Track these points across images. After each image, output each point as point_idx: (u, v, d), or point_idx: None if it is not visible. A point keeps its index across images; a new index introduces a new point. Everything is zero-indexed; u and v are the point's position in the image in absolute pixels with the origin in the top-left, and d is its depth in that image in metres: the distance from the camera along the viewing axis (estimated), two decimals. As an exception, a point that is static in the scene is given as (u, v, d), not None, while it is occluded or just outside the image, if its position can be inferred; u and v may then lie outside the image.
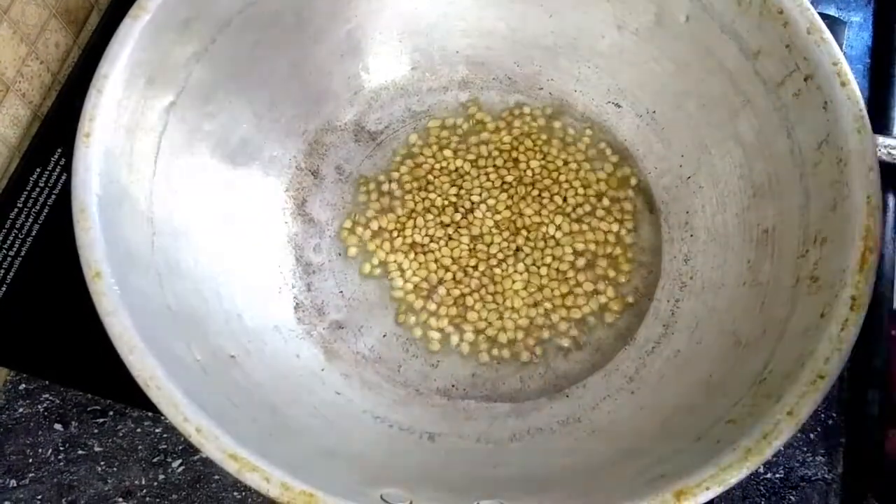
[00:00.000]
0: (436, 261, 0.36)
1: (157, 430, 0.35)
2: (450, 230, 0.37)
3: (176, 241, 0.30)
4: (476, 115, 0.40)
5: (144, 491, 0.34)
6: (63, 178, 0.38)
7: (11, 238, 0.37)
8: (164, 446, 0.35)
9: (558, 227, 0.37)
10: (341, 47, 0.38)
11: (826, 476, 0.36)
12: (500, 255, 0.37)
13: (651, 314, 0.35)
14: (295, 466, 0.23)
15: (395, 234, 0.37)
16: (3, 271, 0.36)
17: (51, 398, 0.36)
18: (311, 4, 0.36)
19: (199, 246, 0.32)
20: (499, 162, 0.39)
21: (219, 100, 0.33)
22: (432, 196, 0.38)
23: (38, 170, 0.38)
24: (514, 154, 0.39)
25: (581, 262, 0.36)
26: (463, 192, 0.38)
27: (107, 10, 0.42)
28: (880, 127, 0.42)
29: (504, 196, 0.38)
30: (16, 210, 0.38)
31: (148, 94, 0.30)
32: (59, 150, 0.39)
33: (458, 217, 0.37)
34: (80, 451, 0.35)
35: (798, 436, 0.36)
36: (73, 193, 0.27)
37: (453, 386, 0.34)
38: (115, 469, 0.35)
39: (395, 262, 0.36)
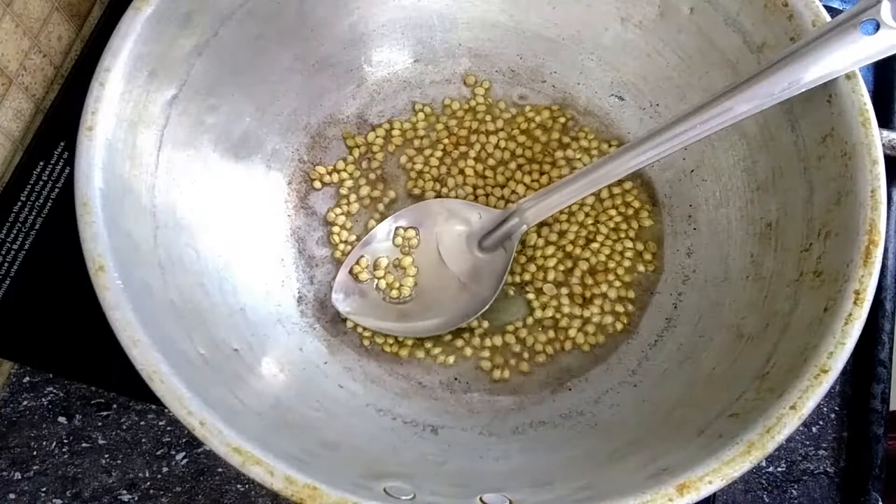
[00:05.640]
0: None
1: (160, 423, 0.35)
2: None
3: (178, 235, 0.30)
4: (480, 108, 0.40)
5: (148, 483, 0.34)
6: (66, 171, 0.38)
7: (15, 232, 0.37)
8: (168, 439, 0.35)
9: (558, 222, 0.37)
10: (343, 40, 0.38)
11: (829, 470, 0.36)
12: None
13: (653, 308, 0.35)
14: (298, 460, 0.24)
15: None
16: (6, 265, 0.37)
17: (55, 391, 0.36)
18: (314, -3, 0.36)
19: (201, 239, 0.32)
20: (506, 155, 0.39)
21: (221, 93, 0.33)
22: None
23: (41, 163, 0.38)
24: (516, 148, 0.39)
25: (592, 255, 0.36)
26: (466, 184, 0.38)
27: (109, 3, 0.42)
28: (885, 120, 0.42)
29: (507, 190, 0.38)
30: (19, 204, 0.38)
31: (150, 87, 0.30)
32: (62, 144, 0.39)
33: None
34: (84, 444, 0.35)
35: (801, 429, 0.36)
36: (76, 187, 0.27)
37: (456, 379, 0.34)
38: (118, 462, 0.35)
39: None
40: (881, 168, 0.27)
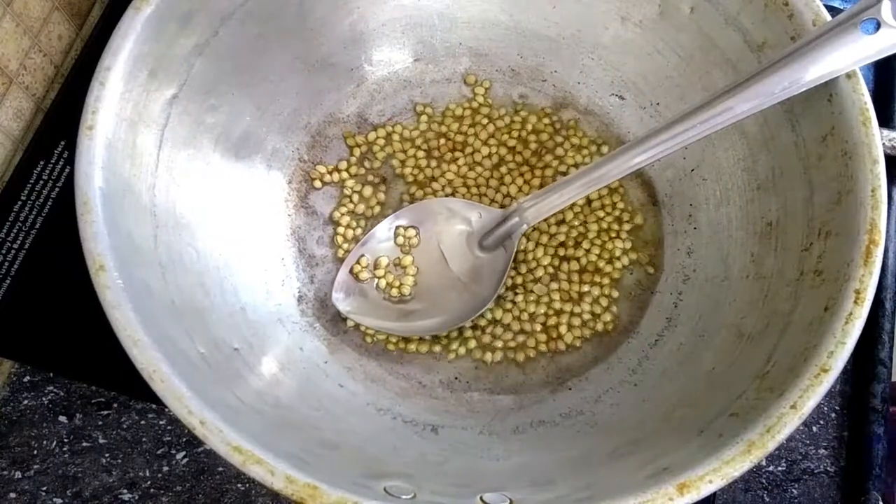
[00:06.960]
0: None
1: (161, 423, 0.35)
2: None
3: (179, 234, 0.30)
4: (480, 108, 0.40)
5: (148, 483, 0.34)
6: (66, 170, 0.38)
7: (15, 231, 0.37)
8: (168, 438, 0.35)
9: (559, 222, 0.37)
10: (343, 39, 0.38)
11: (829, 469, 0.36)
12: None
13: (654, 307, 0.35)
14: (299, 459, 0.24)
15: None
16: (7, 264, 0.37)
17: (55, 390, 0.36)
18: (314, -4, 0.36)
19: (201, 239, 0.32)
20: (501, 155, 0.39)
21: (221, 92, 0.33)
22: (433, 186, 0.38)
23: (42, 162, 0.38)
24: (516, 147, 0.39)
25: (584, 255, 0.36)
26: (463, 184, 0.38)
27: (109, 3, 0.42)
28: (885, 120, 0.42)
29: (505, 189, 0.38)
30: (19, 203, 0.38)
31: (150, 86, 0.30)
32: (63, 143, 0.39)
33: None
34: (84, 443, 0.35)
35: (801, 429, 0.36)
36: (76, 186, 0.27)
37: (456, 378, 0.34)
38: (119, 461, 0.35)
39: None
40: (881, 167, 0.27)
